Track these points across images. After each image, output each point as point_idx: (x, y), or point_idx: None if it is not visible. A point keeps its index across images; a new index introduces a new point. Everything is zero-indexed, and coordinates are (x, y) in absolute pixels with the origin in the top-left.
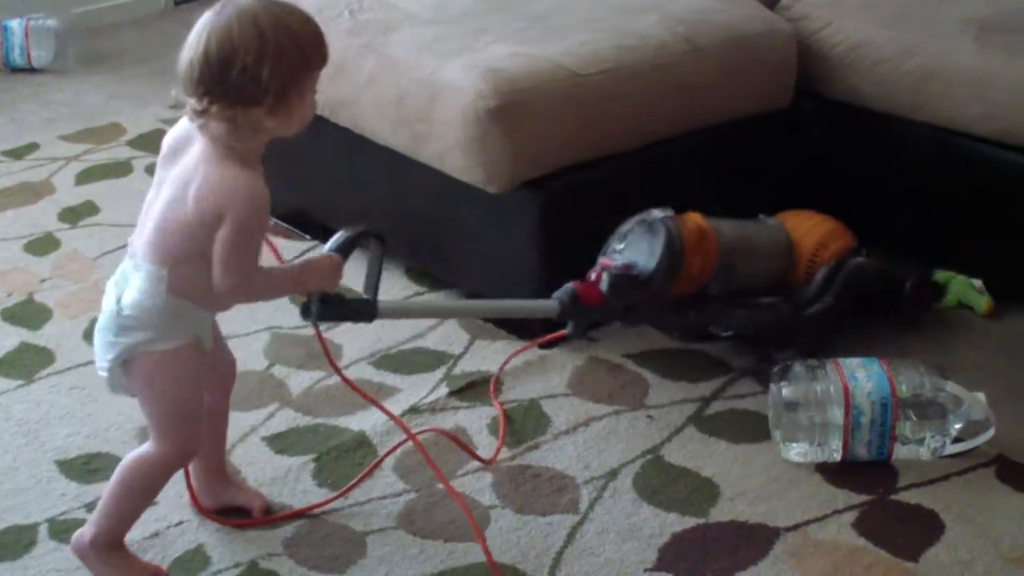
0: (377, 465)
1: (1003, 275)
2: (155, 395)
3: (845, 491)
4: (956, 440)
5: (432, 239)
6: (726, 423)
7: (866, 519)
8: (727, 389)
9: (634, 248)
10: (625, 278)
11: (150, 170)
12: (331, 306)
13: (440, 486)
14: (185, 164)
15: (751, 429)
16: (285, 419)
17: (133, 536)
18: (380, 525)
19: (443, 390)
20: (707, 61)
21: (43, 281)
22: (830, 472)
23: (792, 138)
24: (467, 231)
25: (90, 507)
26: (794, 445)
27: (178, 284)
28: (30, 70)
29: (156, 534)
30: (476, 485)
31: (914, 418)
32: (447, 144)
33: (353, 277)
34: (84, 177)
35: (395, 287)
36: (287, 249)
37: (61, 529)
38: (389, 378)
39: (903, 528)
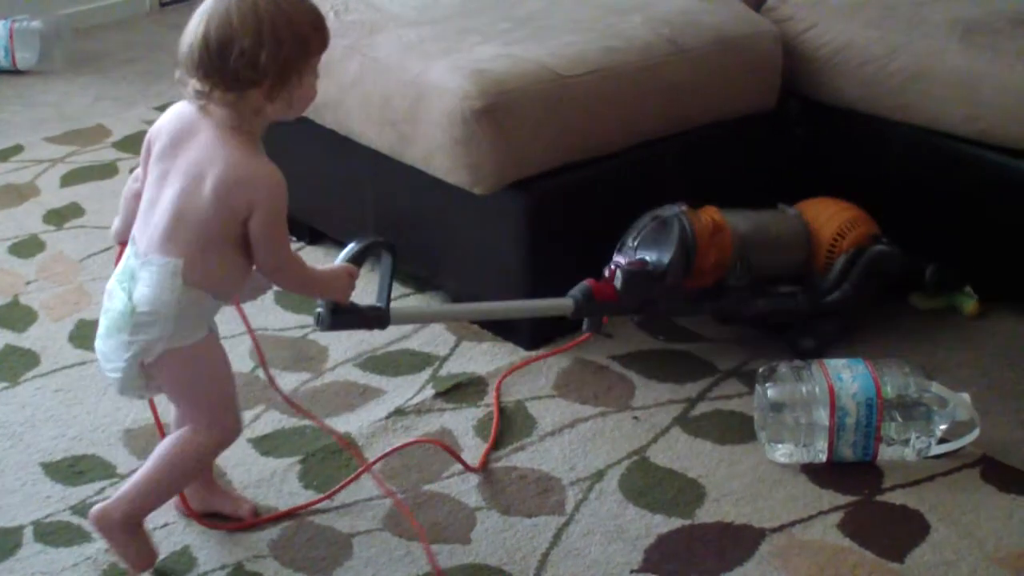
0: (366, 470)
1: (989, 276)
2: (193, 389)
3: (830, 492)
4: (941, 441)
5: (418, 241)
6: (712, 424)
7: (851, 520)
8: (713, 390)
9: (648, 244)
10: (639, 274)
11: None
12: (344, 314)
13: (426, 487)
14: (195, 155)
15: (737, 430)
16: (271, 421)
17: None
18: (366, 527)
19: (429, 392)
20: (692, 63)
21: (28, 283)
22: (816, 473)
23: (778, 139)
24: (453, 233)
25: (76, 509)
26: (780, 446)
27: (194, 275)
28: (15, 72)
29: None
30: (462, 487)
31: (899, 419)
32: (433, 145)
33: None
34: (69, 179)
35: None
36: None
37: (46, 532)
38: (375, 380)
39: (888, 529)
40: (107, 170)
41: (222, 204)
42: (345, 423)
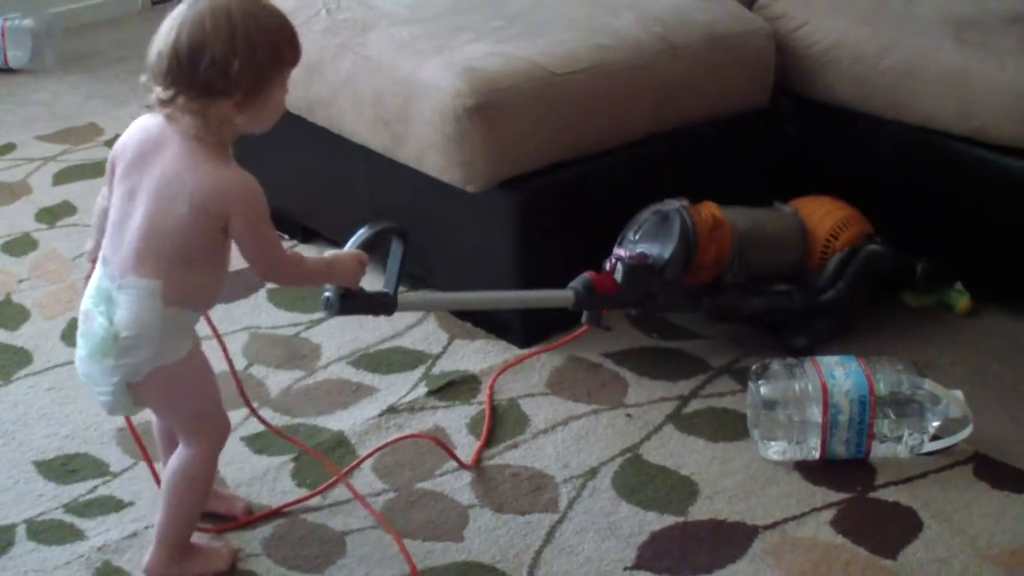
0: (356, 467)
1: (981, 274)
2: (180, 404)
3: (823, 489)
4: (934, 438)
5: (411, 239)
6: (705, 422)
7: (844, 517)
8: (705, 388)
9: (649, 238)
10: (640, 268)
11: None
12: (351, 300)
13: (418, 485)
14: (164, 169)
15: (730, 427)
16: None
17: (110, 537)
18: (359, 525)
19: (422, 389)
20: (684, 60)
21: (21, 282)
22: (808, 470)
23: (770, 137)
24: (445, 231)
25: (68, 507)
26: (772, 443)
27: (173, 294)
28: (6, 70)
29: (134, 534)
30: (455, 485)
31: (892, 416)
32: (425, 144)
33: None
34: (61, 177)
35: (374, 287)
36: None
37: (39, 530)
38: (368, 378)
39: (881, 526)
40: (99, 168)
41: (197, 219)
42: (338, 421)
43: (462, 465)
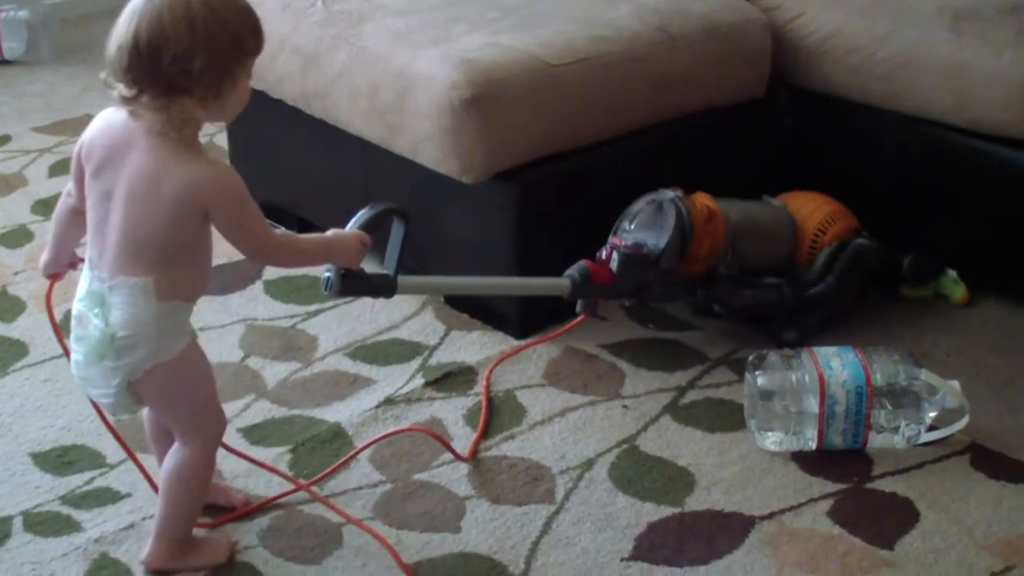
0: (352, 458)
1: (978, 264)
2: (178, 401)
3: (820, 480)
4: (931, 428)
5: (407, 230)
6: (701, 412)
7: (841, 507)
8: (702, 378)
9: (644, 227)
10: (635, 257)
11: None
12: (351, 280)
13: (415, 476)
14: (136, 168)
15: (726, 418)
16: (261, 410)
17: (107, 529)
18: (356, 516)
19: (419, 381)
20: (681, 51)
21: (16, 273)
22: (805, 461)
23: (767, 127)
24: (442, 222)
25: (65, 499)
26: (769, 434)
27: (165, 287)
28: (2, 62)
29: (131, 526)
30: (452, 476)
31: (889, 407)
32: (421, 135)
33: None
34: (57, 169)
35: (374, 270)
36: None
37: (36, 522)
38: (364, 369)
39: (878, 516)
40: None
41: (176, 217)
42: (335, 412)
43: (459, 457)
